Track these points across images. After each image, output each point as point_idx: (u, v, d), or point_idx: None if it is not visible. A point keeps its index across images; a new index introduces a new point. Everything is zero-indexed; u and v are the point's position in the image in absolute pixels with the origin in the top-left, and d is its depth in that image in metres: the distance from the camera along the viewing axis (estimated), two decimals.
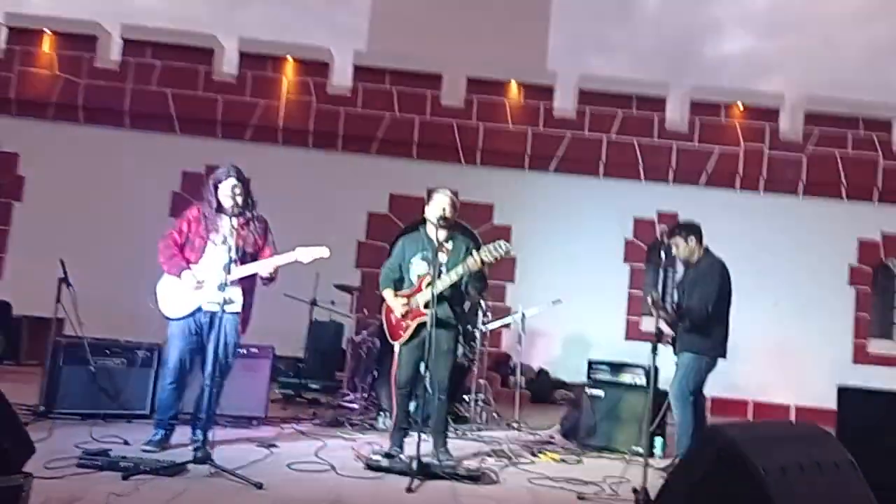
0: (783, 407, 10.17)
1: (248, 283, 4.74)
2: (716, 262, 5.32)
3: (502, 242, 4.76)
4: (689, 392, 5.19)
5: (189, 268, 4.64)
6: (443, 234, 4.99)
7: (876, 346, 10.83)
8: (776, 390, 9.85)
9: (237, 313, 4.68)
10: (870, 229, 10.98)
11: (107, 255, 9.52)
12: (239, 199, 4.67)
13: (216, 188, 4.71)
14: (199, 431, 4.58)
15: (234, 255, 4.56)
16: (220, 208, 4.72)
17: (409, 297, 4.93)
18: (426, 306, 4.75)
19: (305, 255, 4.61)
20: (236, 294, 4.65)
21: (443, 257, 4.87)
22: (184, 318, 4.66)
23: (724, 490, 2.66)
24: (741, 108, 11.10)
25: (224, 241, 4.60)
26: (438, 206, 4.98)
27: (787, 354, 8.61)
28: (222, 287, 4.50)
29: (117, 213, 10.02)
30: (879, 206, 10.99)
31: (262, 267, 4.63)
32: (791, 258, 10.36)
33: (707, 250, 5.40)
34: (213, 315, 4.59)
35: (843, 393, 4.01)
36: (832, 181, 10.96)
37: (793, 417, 10.10)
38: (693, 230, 5.39)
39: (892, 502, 2.92)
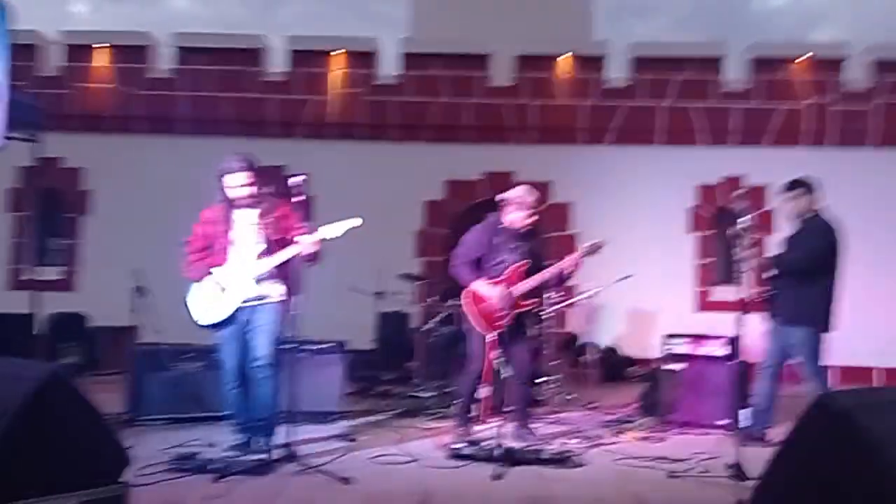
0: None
1: (289, 268, 4.45)
2: (831, 221, 5.12)
3: (599, 241, 5.14)
4: (822, 368, 5.00)
5: (210, 273, 4.55)
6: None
7: None
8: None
9: (277, 303, 4.50)
10: None
11: (173, 261, 9.68)
12: (246, 191, 4.49)
13: (223, 182, 4.54)
14: (274, 431, 4.55)
15: (262, 247, 4.47)
16: (233, 202, 4.55)
17: (498, 284, 4.97)
18: (525, 297, 5.00)
19: (333, 230, 4.37)
20: (272, 288, 4.52)
21: (526, 248, 5.13)
22: (224, 321, 4.55)
23: (840, 462, 2.52)
24: (802, 62, 10.63)
25: (249, 234, 4.52)
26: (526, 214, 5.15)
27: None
28: (258, 280, 4.46)
29: (181, 219, 10.15)
30: None
31: (290, 253, 4.39)
32: (867, 213, 9.89)
33: (821, 211, 5.20)
34: (251, 310, 4.52)
35: None
36: None
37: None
38: (816, 187, 5.20)
39: None
